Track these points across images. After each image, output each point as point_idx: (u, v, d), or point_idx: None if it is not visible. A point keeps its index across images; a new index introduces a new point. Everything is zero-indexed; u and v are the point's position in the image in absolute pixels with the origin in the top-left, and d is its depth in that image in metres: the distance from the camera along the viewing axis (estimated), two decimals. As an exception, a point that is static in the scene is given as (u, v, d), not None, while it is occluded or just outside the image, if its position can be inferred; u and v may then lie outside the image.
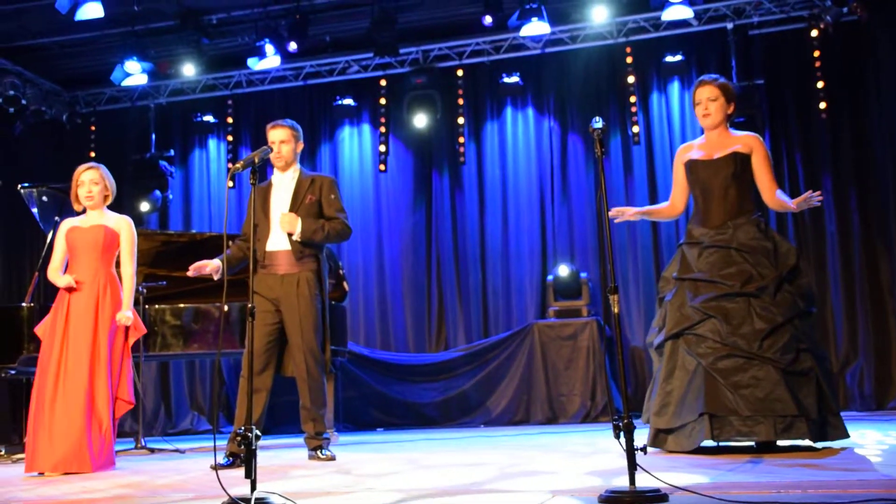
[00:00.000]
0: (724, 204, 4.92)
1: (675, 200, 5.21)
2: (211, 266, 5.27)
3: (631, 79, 9.71)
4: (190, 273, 5.27)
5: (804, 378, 4.49)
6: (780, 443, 4.56)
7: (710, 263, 4.80)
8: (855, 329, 8.95)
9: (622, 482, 3.10)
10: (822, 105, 9.08)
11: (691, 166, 5.04)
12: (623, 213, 5.22)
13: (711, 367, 4.53)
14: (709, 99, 5.00)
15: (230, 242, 5.56)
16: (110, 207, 5.68)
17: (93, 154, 10.82)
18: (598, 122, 3.44)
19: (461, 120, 10.24)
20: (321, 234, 5.39)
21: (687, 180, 5.09)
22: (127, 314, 5.35)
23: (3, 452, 6.62)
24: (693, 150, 5.09)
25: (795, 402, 4.37)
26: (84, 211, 5.55)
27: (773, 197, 4.92)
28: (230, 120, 10.86)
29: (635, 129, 9.70)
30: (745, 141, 4.97)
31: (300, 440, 5.64)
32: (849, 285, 9.02)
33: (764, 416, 4.38)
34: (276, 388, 5.47)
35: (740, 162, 4.91)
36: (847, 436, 4.57)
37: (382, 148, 10.39)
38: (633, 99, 9.70)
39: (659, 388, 4.75)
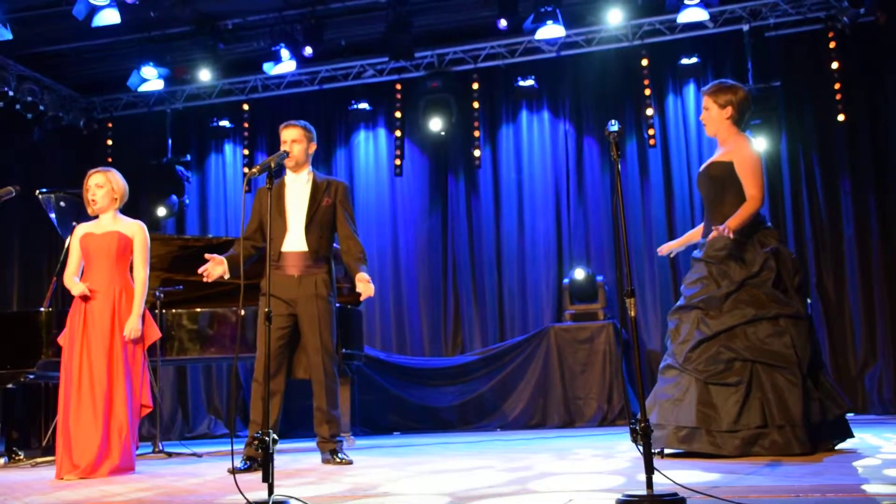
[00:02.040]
0: (711, 213, 4.95)
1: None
2: (221, 269, 5.26)
3: (646, 81, 9.69)
4: (204, 277, 5.27)
5: (729, 389, 4.49)
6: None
7: (691, 274, 4.94)
8: (873, 332, 8.89)
9: (639, 486, 3.09)
10: (839, 107, 9.03)
11: (697, 178, 5.11)
12: (669, 248, 5.24)
13: (660, 375, 4.80)
14: (704, 108, 5.03)
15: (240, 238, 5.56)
16: (127, 212, 5.70)
17: (110, 159, 10.87)
18: (613, 126, 3.43)
19: (476, 123, 10.24)
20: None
21: None
22: (135, 327, 5.34)
23: (22, 456, 6.65)
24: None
25: (700, 414, 4.44)
26: (98, 216, 5.56)
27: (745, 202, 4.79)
28: (246, 125, 10.90)
29: (651, 131, 9.68)
30: (731, 146, 4.92)
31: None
32: (867, 288, 8.98)
33: (668, 424, 4.45)
34: (292, 392, 5.48)
35: (721, 171, 4.88)
36: (799, 449, 4.39)
37: (398, 152, 10.41)
38: (648, 101, 9.69)
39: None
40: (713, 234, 4.66)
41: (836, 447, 4.77)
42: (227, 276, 5.29)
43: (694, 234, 5.31)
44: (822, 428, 4.61)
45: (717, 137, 5.04)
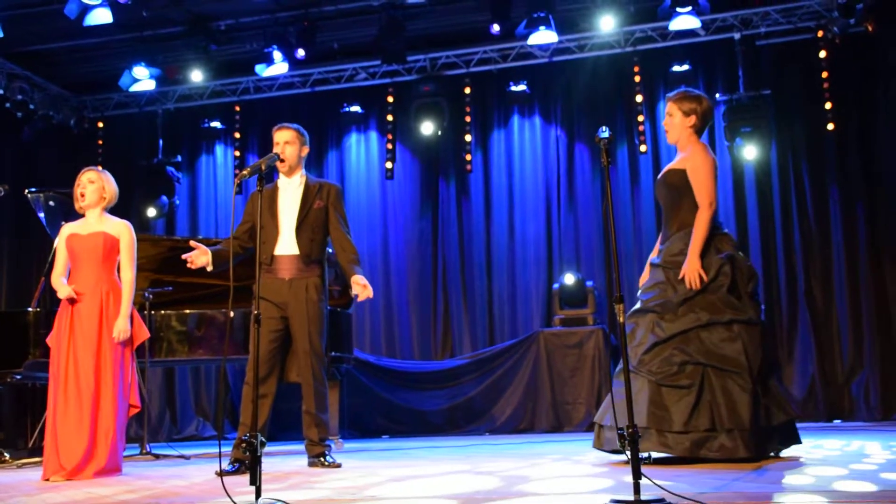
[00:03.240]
0: (668, 220, 5.02)
1: None
2: (206, 258, 5.25)
3: (638, 88, 9.71)
4: (188, 263, 5.25)
5: (680, 391, 4.54)
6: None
7: (649, 279, 5.00)
8: (861, 339, 8.94)
9: (627, 491, 3.09)
10: (829, 116, 9.07)
11: (655, 184, 5.17)
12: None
13: (615, 378, 4.86)
14: (667, 114, 5.06)
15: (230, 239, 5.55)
16: (116, 212, 5.68)
17: (100, 159, 10.85)
18: (604, 132, 3.45)
19: (468, 128, 10.24)
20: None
21: None
22: (124, 328, 5.33)
23: (8, 457, 6.62)
24: None
25: (652, 413, 4.49)
26: (84, 214, 5.54)
27: (697, 214, 4.81)
28: (237, 126, 10.88)
29: (642, 138, 9.70)
30: (685, 154, 4.95)
31: (305, 447, 5.62)
32: (854, 295, 9.02)
33: (620, 426, 4.47)
34: (282, 395, 5.47)
35: (677, 178, 4.91)
36: (747, 457, 4.42)
37: (389, 155, 10.40)
38: (640, 108, 9.71)
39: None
40: (687, 282, 4.73)
41: (781, 453, 4.84)
42: (209, 268, 5.26)
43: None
44: (767, 433, 4.66)
45: (677, 144, 5.07)
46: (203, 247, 5.27)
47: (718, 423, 4.48)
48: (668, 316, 4.73)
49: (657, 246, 5.14)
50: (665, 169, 5.07)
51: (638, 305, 4.95)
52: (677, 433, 4.48)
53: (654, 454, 4.71)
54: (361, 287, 5.25)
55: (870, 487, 3.38)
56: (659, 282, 4.88)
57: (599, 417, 4.91)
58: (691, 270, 4.71)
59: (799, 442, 4.90)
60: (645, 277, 5.15)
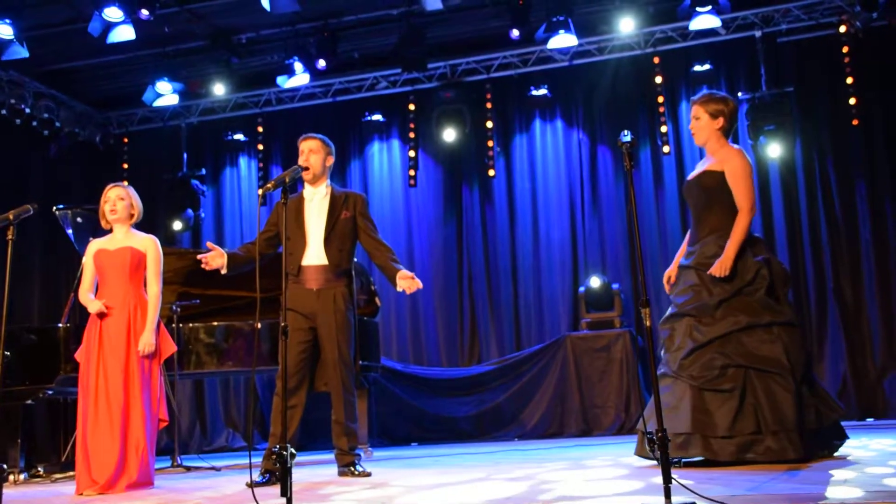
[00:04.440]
0: (699, 222, 4.97)
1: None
2: (221, 261, 5.28)
3: (659, 89, 9.68)
4: (202, 264, 5.29)
5: (723, 395, 4.49)
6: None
7: (679, 283, 4.95)
8: (892, 336, 8.84)
9: (658, 495, 3.08)
10: (854, 111, 8.99)
11: (684, 187, 5.15)
12: (670, 277, 5.18)
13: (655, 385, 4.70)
14: (693, 117, 5.05)
15: (249, 244, 5.58)
16: (142, 226, 5.74)
17: (126, 174, 10.95)
18: (626, 136, 3.44)
19: (490, 133, 10.24)
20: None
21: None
22: (149, 341, 5.37)
23: (42, 472, 6.68)
24: (695, 170, 5.15)
25: (694, 419, 4.43)
26: (111, 230, 5.60)
27: (737, 217, 4.81)
28: (260, 138, 10.94)
29: (665, 139, 9.66)
30: (722, 156, 4.93)
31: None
32: (885, 292, 8.93)
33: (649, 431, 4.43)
34: (311, 404, 5.48)
35: (712, 180, 4.89)
36: (794, 454, 4.39)
37: (412, 163, 10.42)
38: (661, 109, 9.68)
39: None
40: (714, 269, 4.70)
41: (835, 452, 4.79)
42: (224, 271, 5.29)
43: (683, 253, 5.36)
44: (819, 434, 4.64)
45: (706, 147, 5.06)
46: (219, 248, 5.31)
47: (763, 426, 4.44)
48: (705, 319, 4.69)
49: (684, 247, 5.10)
50: (699, 170, 5.02)
51: (672, 310, 4.90)
52: (722, 438, 4.43)
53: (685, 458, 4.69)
54: (410, 279, 5.25)
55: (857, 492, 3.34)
56: (692, 284, 4.83)
57: (642, 424, 4.85)
58: (720, 265, 4.67)
59: (847, 437, 4.87)
60: (672, 271, 5.12)
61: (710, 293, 4.74)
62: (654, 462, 4.79)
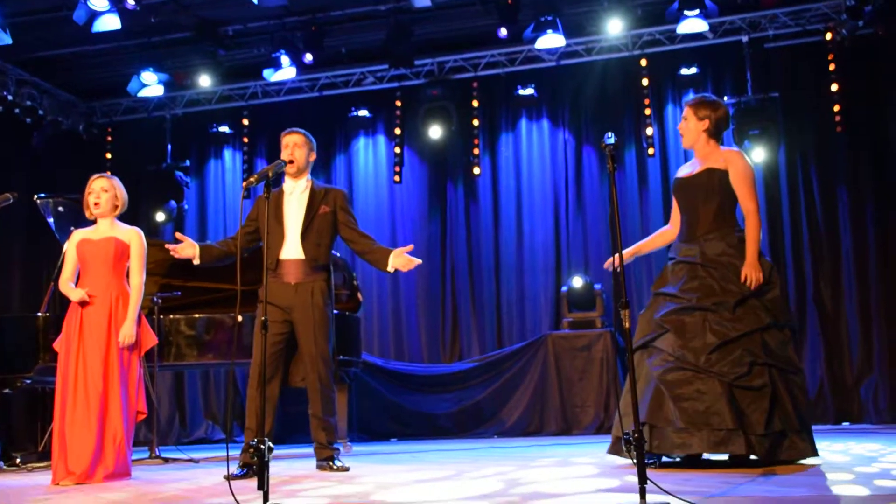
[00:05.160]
0: (699, 220, 4.95)
1: (674, 221, 5.24)
2: (192, 251, 5.29)
3: (646, 91, 9.71)
4: (171, 252, 5.30)
5: (754, 393, 4.49)
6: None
7: (677, 278, 4.91)
8: (870, 342, 8.91)
9: (633, 496, 3.10)
10: (837, 118, 9.05)
11: (675, 185, 5.14)
12: (615, 262, 5.14)
13: (660, 379, 4.63)
14: (683, 118, 5.08)
15: (229, 238, 5.58)
16: (125, 217, 5.71)
17: (109, 164, 10.89)
18: (610, 138, 3.45)
19: (476, 132, 10.25)
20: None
21: (674, 199, 5.14)
22: (129, 333, 5.35)
23: (18, 461, 6.65)
24: (682, 169, 5.15)
25: (735, 415, 4.40)
26: (95, 221, 5.57)
27: (746, 219, 4.86)
28: (246, 131, 10.91)
29: (650, 141, 9.69)
30: (725, 156, 4.95)
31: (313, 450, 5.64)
32: (864, 298, 9.00)
33: (698, 429, 4.42)
34: (289, 398, 5.50)
35: (715, 178, 4.90)
36: (812, 454, 4.50)
37: (397, 159, 10.42)
38: (648, 111, 9.71)
39: (623, 398, 4.80)
40: (751, 280, 4.69)
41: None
42: (196, 261, 5.31)
43: (650, 242, 5.40)
44: None
45: (694, 149, 5.09)
46: (190, 240, 5.32)
47: (788, 425, 4.47)
48: (725, 315, 4.65)
49: (678, 244, 5.08)
50: (697, 168, 4.99)
51: (677, 304, 4.79)
52: (760, 436, 4.41)
53: (665, 458, 4.71)
54: (404, 256, 5.25)
55: (864, 491, 3.37)
56: (701, 280, 4.79)
57: (649, 418, 4.63)
58: (755, 270, 4.69)
59: None
60: (629, 253, 5.18)
61: (724, 291, 4.72)
62: (667, 460, 4.79)
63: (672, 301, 4.83)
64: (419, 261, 5.29)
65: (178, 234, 5.34)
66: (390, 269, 5.31)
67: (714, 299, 4.69)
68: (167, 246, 5.33)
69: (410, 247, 5.36)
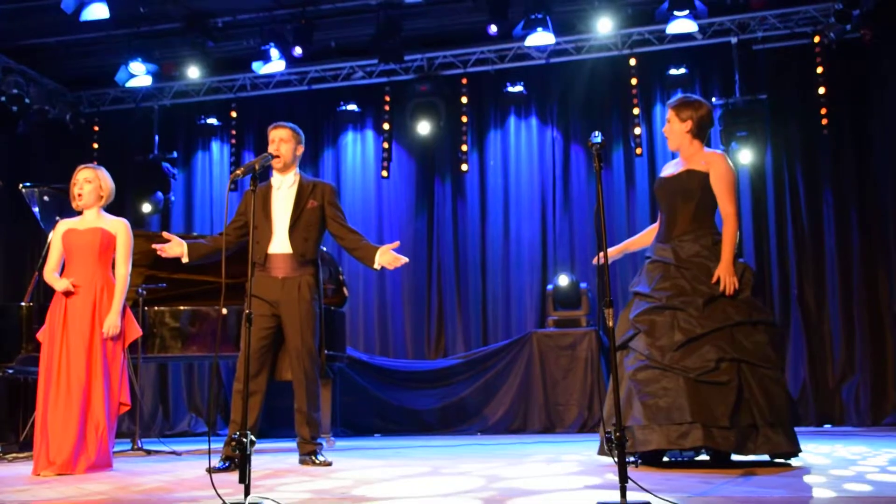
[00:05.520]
0: (676, 221, 4.96)
1: (660, 221, 5.26)
2: (180, 249, 5.28)
3: (634, 91, 9.72)
4: (158, 251, 5.30)
5: (720, 388, 4.50)
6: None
7: (650, 277, 4.93)
8: (852, 344, 8.96)
9: (613, 491, 3.11)
10: (824, 121, 9.09)
11: (656, 184, 5.16)
12: (600, 259, 5.13)
13: (631, 378, 4.67)
14: (667, 120, 5.10)
15: (218, 235, 5.58)
16: (112, 208, 5.69)
17: (96, 154, 10.84)
18: (597, 137, 3.45)
19: (464, 128, 10.25)
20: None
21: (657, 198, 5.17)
22: (114, 323, 5.33)
23: (0, 451, 6.62)
24: (666, 168, 5.18)
25: (695, 409, 4.42)
26: (81, 211, 5.55)
27: (723, 222, 4.87)
28: (234, 123, 10.88)
29: (638, 140, 9.71)
30: (707, 158, 4.96)
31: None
32: (847, 300, 9.04)
33: (659, 425, 4.44)
34: (274, 392, 5.49)
35: (695, 180, 4.91)
36: (789, 448, 4.50)
37: (385, 154, 10.40)
38: (636, 111, 9.72)
39: (607, 398, 4.87)
40: (725, 286, 4.70)
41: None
42: (185, 260, 5.31)
43: (636, 241, 5.43)
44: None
45: (678, 150, 5.10)
46: (177, 238, 5.31)
47: (760, 418, 4.47)
48: (694, 313, 4.67)
49: (655, 244, 5.10)
50: (679, 169, 5.01)
51: (650, 304, 4.82)
52: (724, 428, 4.42)
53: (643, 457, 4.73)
54: (390, 254, 5.25)
55: (861, 488, 3.40)
56: (674, 280, 4.81)
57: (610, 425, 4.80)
58: (730, 274, 4.69)
59: None
60: (614, 252, 5.24)
61: (695, 290, 4.75)
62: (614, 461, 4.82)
63: (645, 300, 4.86)
64: (405, 259, 5.29)
65: (165, 234, 5.33)
66: (377, 266, 5.32)
67: (684, 298, 4.73)
68: (154, 246, 5.32)
69: (396, 243, 5.36)
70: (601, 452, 4.91)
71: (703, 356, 4.56)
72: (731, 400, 4.46)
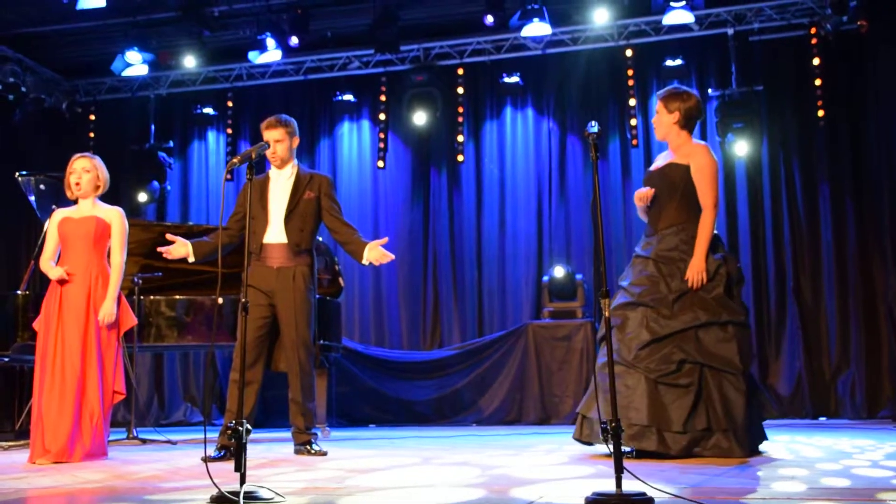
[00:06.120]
0: (661, 214, 5.00)
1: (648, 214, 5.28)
2: (185, 250, 5.29)
3: (631, 82, 9.71)
4: (164, 254, 5.30)
5: (679, 390, 4.56)
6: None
7: (633, 271, 4.98)
8: (847, 337, 8.97)
9: (609, 485, 3.12)
10: (821, 113, 9.09)
11: (645, 177, 5.20)
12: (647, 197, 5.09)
13: (601, 371, 4.72)
14: (656, 111, 5.13)
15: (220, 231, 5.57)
16: (106, 197, 5.69)
17: (92, 143, 10.82)
18: (593, 127, 3.45)
19: (461, 118, 10.24)
20: None
21: None
22: (110, 311, 5.33)
23: (-5, 439, 6.63)
24: (657, 160, 5.22)
25: (652, 412, 4.49)
26: (77, 201, 5.56)
27: (702, 213, 4.87)
28: (230, 113, 10.86)
29: (634, 131, 9.70)
30: (690, 150, 4.98)
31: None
32: (843, 293, 9.05)
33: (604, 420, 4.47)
34: (269, 382, 5.49)
35: (676, 173, 4.94)
36: (739, 454, 4.48)
37: (381, 144, 10.40)
38: (632, 102, 9.71)
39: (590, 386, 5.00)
40: (691, 279, 4.74)
41: (759, 449, 4.90)
42: (191, 259, 5.31)
43: None
44: (757, 431, 4.80)
45: (667, 141, 5.13)
46: (181, 239, 5.30)
47: (714, 424, 4.53)
48: (664, 312, 4.72)
49: (642, 237, 5.15)
50: (663, 162, 5.07)
51: (626, 298, 4.91)
52: (676, 433, 4.50)
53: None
54: (378, 250, 5.24)
55: (846, 483, 3.41)
56: (650, 275, 4.87)
57: (584, 409, 4.90)
58: (697, 271, 4.74)
59: (767, 438, 5.02)
60: None
61: (669, 287, 4.79)
62: (601, 450, 4.85)
63: (623, 294, 4.94)
64: (392, 256, 5.31)
65: (168, 235, 5.32)
66: (365, 261, 5.33)
67: (656, 295, 4.77)
68: (159, 249, 5.31)
69: (385, 239, 5.37)
70: (577, 437, 4.95)
71: (666, 357, 4.63)
72: (688, 404, 4.53)
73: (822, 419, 8.76)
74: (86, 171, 5.50)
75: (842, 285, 9.09)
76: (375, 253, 5.28)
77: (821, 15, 9.07)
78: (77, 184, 5.49)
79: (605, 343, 4.78)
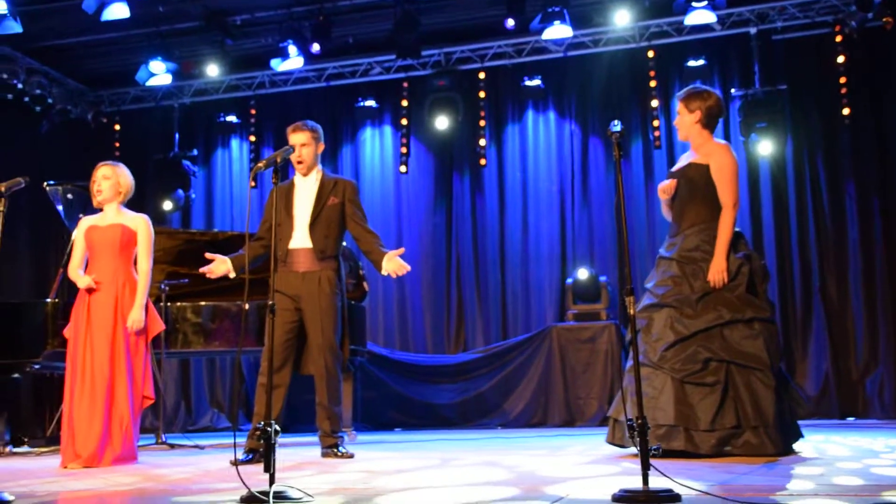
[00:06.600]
0: (684, 214, 5.00)
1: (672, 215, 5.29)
2: (225, 267, 5.33)
3: (653, 83, 9.69)
4: (207, 275, 5.34)
5: (706, 389, 4.56)
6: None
7: (659, 272, 4.99)
8: (875, 336, 8.90)
9: (636, 482, 3.12)
10: (846, 111, 9.03)
11: (667, 178, 5.19)
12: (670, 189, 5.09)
13: (628, 373, 4.74)
14: (677, 113, 5.14)
15: (253, 242, 5.61)
16: (133, 205, 5.75)
17: (117, 153, 10.92)
18: (616, 126, 3.46)
19: (482, 122, 10.25)
20: None
21: None
22: (138, 318, 5.39)
23: (27, 445, 6.69)
24: (680, 160, 5.23)
25: (679, 412, 4.49)
26: (102, 209, 5.61)
27: (721, 213, 4.87)
28: (253, 120, 10.93)
29: (656, 133, 9.68)
30: (710, 149, 4.98)
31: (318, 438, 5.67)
32: (870, 292, 8.98)
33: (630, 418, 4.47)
34: (295, 387, 5.51)
35: (697, 172, 4.94)
36: (772, 450, 4.47)
37: (404, 150, 10.43)
38: (654, 103, 9.69)
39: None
40: (713, 279, 4.74)
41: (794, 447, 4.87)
42: (232, 275, 5.35)
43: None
44: (790, 428, 4.75)
45: (689, 141, 5.13)
46: (220, 256, 5.33)
47: (744, 420, 4.52)
48: (687, 311, 4.72)
49: (666, 238, 5.16)
50: (684, 163, 5.08)
51: (651, 300, 4.92)
52: (704, 431, 4.50)
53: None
54: (397, 261, 5.24)
55: (859, 481, 3.39)
56: (673, 276, 4.87)
57: (615, 413, 4.91)
58: (718, 271, 4.74)
59: (802, 436, 4.96)
60: None
61: (692, 287, 4.79)
62: (631, 451, 4.84)
63: (648, 296, 4.95)
64: (409, 267, 5.30)
65: (207, 254, 5.35)
66: (384, 272, 5.34)
67: (679, 296, 4.77)
68: (201, 270, 5.36)
69: (401, 250, 5.36)
70: (610, 440, 4.97)
71: (692, 357, 4.63)
72: (714, 402, 4.52)
73: (851, 419, 8.69)
74: (105, 178, 5.56)
75: (868, 284, 9.01)
76: (393, 264, 5.27)
77: (845, 12, 9.00)
78: (98, 191, 5.55)
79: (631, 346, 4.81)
